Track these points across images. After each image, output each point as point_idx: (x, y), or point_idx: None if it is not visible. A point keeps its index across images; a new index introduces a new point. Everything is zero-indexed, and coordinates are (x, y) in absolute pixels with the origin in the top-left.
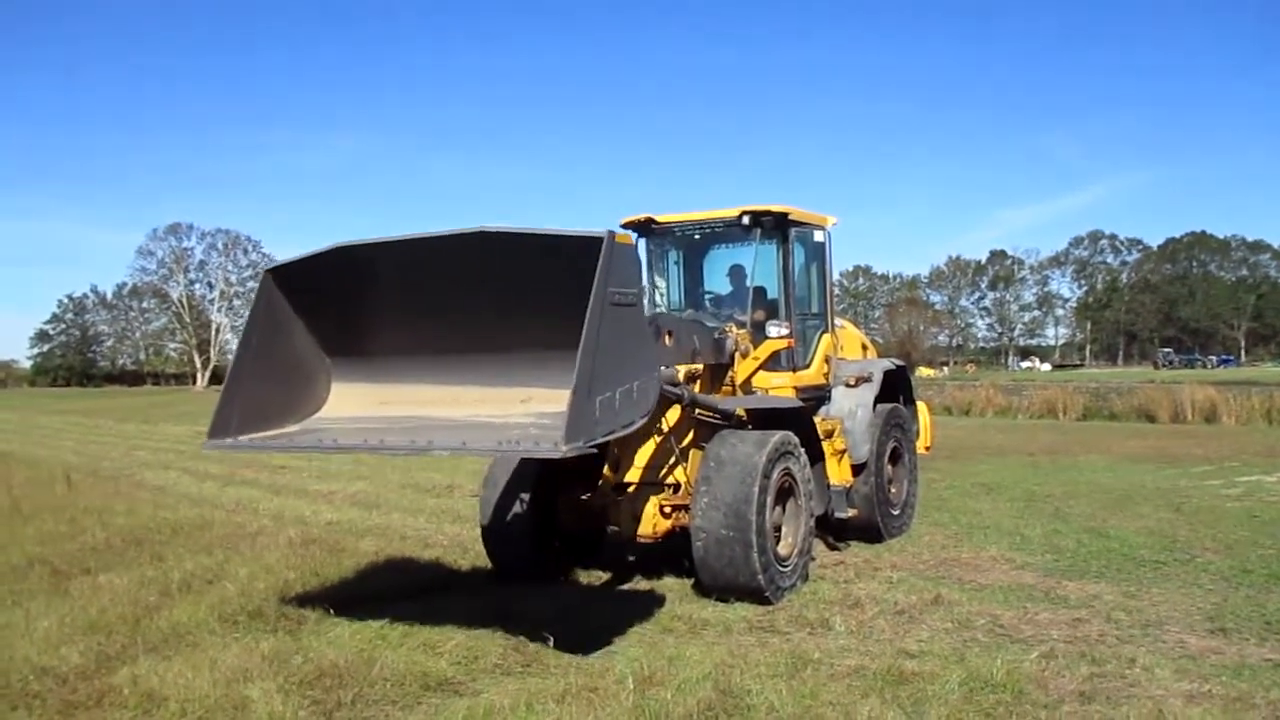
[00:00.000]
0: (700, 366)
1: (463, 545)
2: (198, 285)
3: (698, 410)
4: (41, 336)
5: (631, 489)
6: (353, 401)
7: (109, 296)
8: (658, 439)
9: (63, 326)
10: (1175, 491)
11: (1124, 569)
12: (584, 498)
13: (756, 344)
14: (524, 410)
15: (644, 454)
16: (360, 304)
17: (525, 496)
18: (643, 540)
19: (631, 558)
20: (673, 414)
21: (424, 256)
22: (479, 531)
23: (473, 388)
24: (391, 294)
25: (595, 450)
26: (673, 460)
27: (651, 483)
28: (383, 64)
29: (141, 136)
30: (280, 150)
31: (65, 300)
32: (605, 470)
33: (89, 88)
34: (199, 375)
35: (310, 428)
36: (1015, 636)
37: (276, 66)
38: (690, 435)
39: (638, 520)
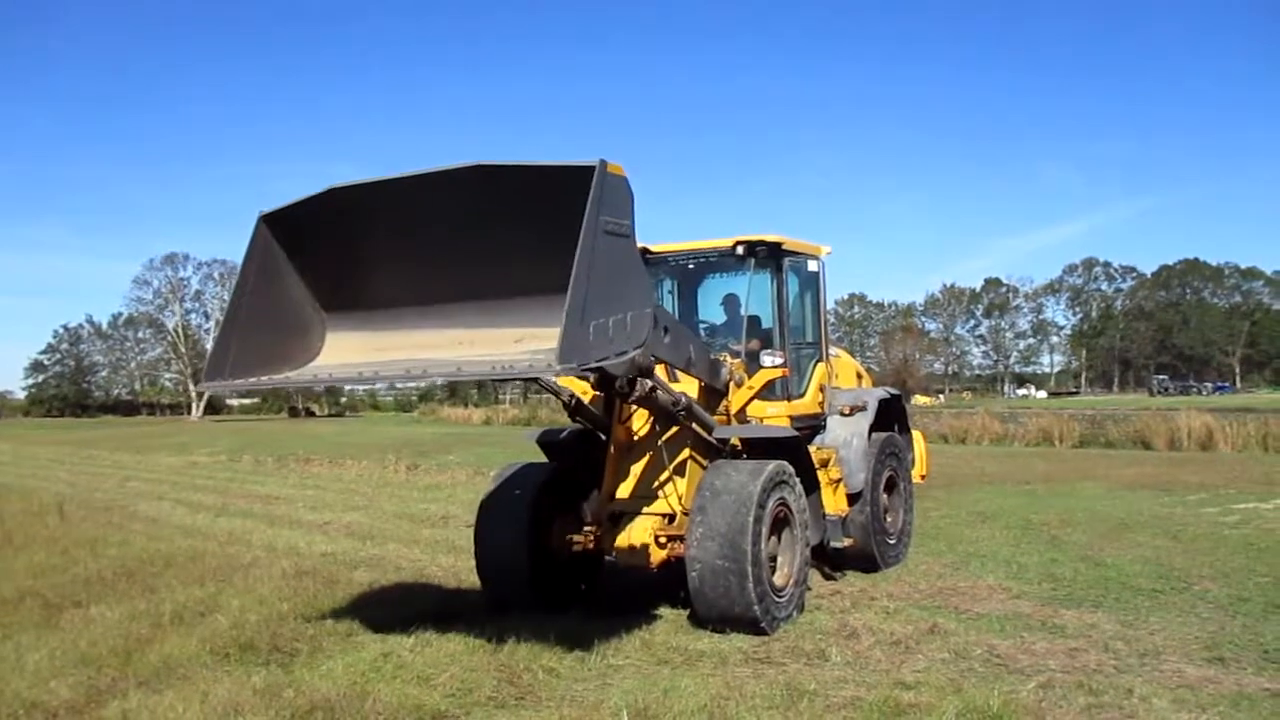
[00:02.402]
0: (695, 388)
1: (458, 576)
2: (194, 315)
3: (693, 423)
4: (36, 367)
5: (626, 517)
6: (348, 349)
7: (104, 327)
8: (652, 456)
9: (58, 357)
10: (1172, 519)
11: (1121, 598)
12: (582, 527)
13: (751, 373)
14: (519, 349)
15: (638, 477)
16: (355, 248)
17: (520, 527)
18: (638, 570)
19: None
20: (668, 432)
21: (418, 195)
22: (474, 562)
23: (468, 330)
24: (386, 237)
25: (589, 376)
26: (666, 478)
27: (646, 511)
28: (380, 94)
29: (138, 167)
30: (276, 179)
31: (60, 330)
32: (600, 497)
33: (86, 118)
34: (194, 405)
35: (305, 374)
36: (1012, 666)
37: (273, 97)
38: (685, 451)
39: (632, 550)
